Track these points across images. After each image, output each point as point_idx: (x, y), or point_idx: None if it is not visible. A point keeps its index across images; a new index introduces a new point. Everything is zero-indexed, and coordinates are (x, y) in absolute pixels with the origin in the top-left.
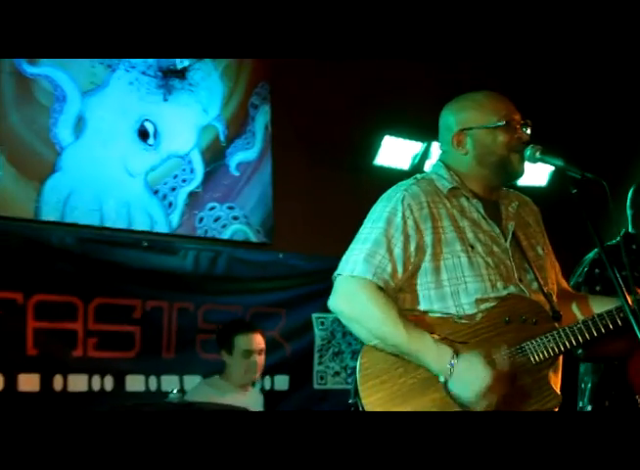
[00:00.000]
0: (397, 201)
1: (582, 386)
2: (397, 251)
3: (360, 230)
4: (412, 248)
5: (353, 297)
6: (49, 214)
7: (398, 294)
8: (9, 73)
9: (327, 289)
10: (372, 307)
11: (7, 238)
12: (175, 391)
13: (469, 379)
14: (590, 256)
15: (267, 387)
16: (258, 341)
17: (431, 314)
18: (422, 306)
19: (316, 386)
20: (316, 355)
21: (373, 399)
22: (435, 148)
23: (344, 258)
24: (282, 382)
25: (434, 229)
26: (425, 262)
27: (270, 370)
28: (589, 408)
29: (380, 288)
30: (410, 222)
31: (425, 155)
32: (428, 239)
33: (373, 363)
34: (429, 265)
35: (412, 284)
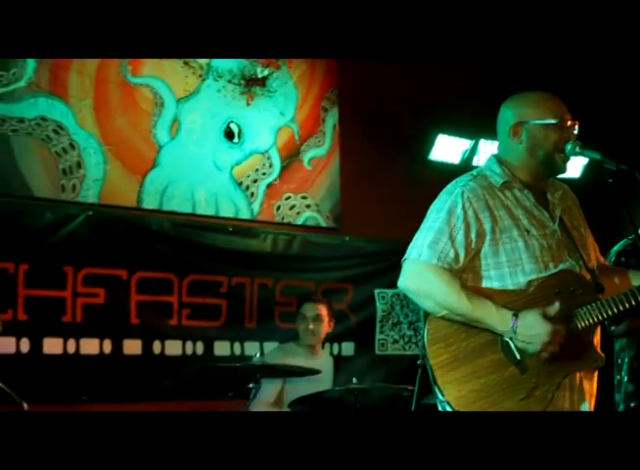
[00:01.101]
0: (457, 195)
1: (619, 361)
2: (459, 238)
3: (424, 221)
4: (473, 235)
5: (420, 275)
6: (149, 203)
7: (461, 275)
8: (115, 83)
9: (387, 268)
10: (438, 283)
11: (114, 223)
12: (258, 355)
13: (531, 333)
14: (616, 248)
15: (335, 352)
16: (316, 309)
17: (489, 288)
18: (482, 285)
19: (377, 352)
20: (378, 325)
21: (439, 360)
22: (482, 144)
23: (411, 244)
24: (348, 348)
25: (491, 217)
26: (485, 247)
27: (338, 338)
28: (626, 379)
29: (444, 269)
30: (470, 212)
31: (473, 150)
32: (487, 226)
33: (438, 330)
34: (488, 249)
35: (474, 266)
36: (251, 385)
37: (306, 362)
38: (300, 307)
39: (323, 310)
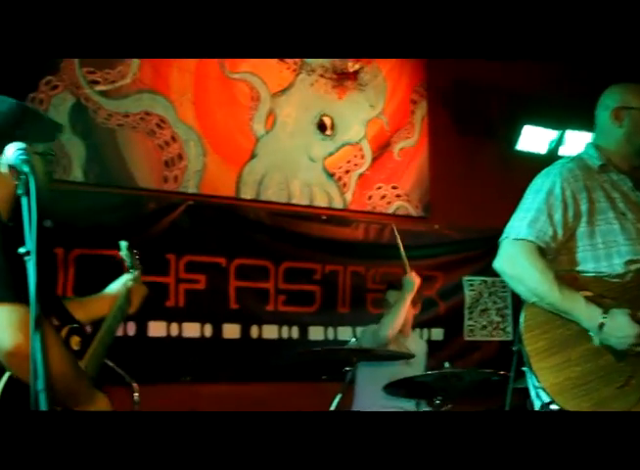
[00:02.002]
0: (555, 175)
1: None
2: (557, 217)
3: (522, 201)
4: (570, 214)
5: (516, 259)
6: (246, 193)
7: (557, 256)
8: (214, 79)
9: (476, 256)
10: (532, 269)
11: (213, 213)
12: (354, 339)
13: (619, 335)
14: None
15: (425, 338)
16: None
17: (585, 274)
18: (577, 267)
19: (466, 337)
20: (466, 312)
21: (535, 347)
22: (569, 135)
23: (509, 224)
24: (437, 334)
25: (588, 199)
26: (580, 228)
27: (428, 324)
28: None
29: (541, 250)
30: (568, 192)
31: (560, 141)
32: (583, 207)
33: (534, 316)
34: (584, 230)
35: (569, 247)
36: (347, 368)
37: (397, 343)
38: (387, 293)
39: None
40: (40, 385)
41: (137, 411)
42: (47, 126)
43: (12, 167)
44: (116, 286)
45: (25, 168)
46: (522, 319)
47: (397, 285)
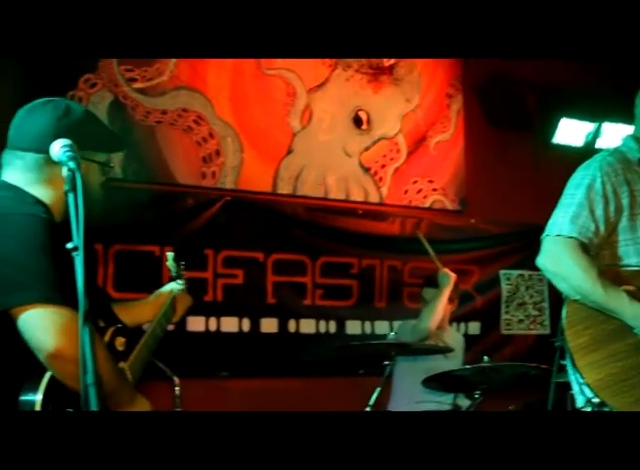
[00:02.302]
0: (595, 169)
1: None
2: (599, 212)
3: (563, 196)
4: (611, 209)
5: (559, 256)
6: (283, 189)
7: (599, 251)
8: (250, 75)
9: (512, 249)
10: (575, 267)
11: (250, 208)
12: (393, 333)
13: None
14: None
15: (462, 332)
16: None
17: (627, 269)
18: (620, 262)
19: (503, 331)
20: (503, 306)
21: (578, 343)
22: (606, 127)
23: (551, 221)
24: (474, 327)
25: (629, 192)
26: (622, 222)
27: (464, 317)
28: None
29: (583, 246)
30: (608, 187)
31: (596, 134)
32: (624, 201)
33: (576, 312)
34: (626, 224)
35: (611, 242)
36: (386, 362)
37: (434, 337)
38: (422, 291)
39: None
40: (90, 379)
41: (175, 411)
42: (111, 138)
43: (58, 164)
44: (163, 293)
45: (72, 165)
46: (564, 315)
47: (433, 282)
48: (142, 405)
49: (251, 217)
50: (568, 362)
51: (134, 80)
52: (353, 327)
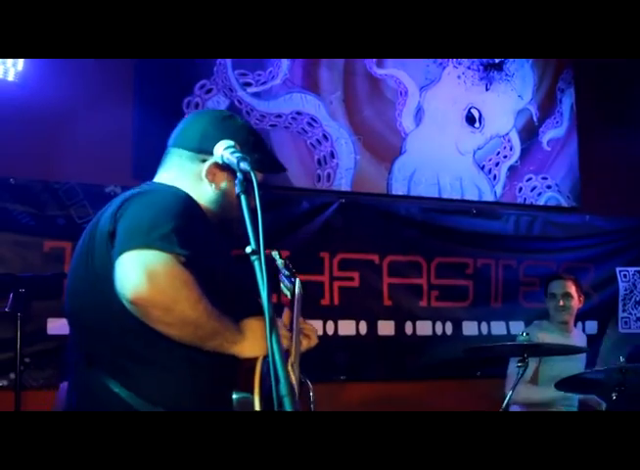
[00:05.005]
0: None
1: None
2: None
3: None
4: None
5: None
6: (397, 189)
7: None
8: (362, 76)
9: (629, 246)
10: None
11: (365, 210)
12: (524, 334)
13: None
14: None
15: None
16: (564, 286)
17: None
18: None
19: (621, 330)
20: (620, 304)
21: None
22: None
23: None
24: (591, 326)
25: None
26: None
27: (581, 316)
28: None
29: None
30: None
31: None
32: None
33: None
34: None
35: None
36: (518, 364)
37: (562, 339)
38: (548, 286)
39: (571, 287)
40: (283, 391)
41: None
42: (271, 161)
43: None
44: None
45: (244, 166)
46: None
47: (562, 275)
48: (253, 337)
49: (365, 219)
50: None
51: (249, 85)
52: (470, 328)
